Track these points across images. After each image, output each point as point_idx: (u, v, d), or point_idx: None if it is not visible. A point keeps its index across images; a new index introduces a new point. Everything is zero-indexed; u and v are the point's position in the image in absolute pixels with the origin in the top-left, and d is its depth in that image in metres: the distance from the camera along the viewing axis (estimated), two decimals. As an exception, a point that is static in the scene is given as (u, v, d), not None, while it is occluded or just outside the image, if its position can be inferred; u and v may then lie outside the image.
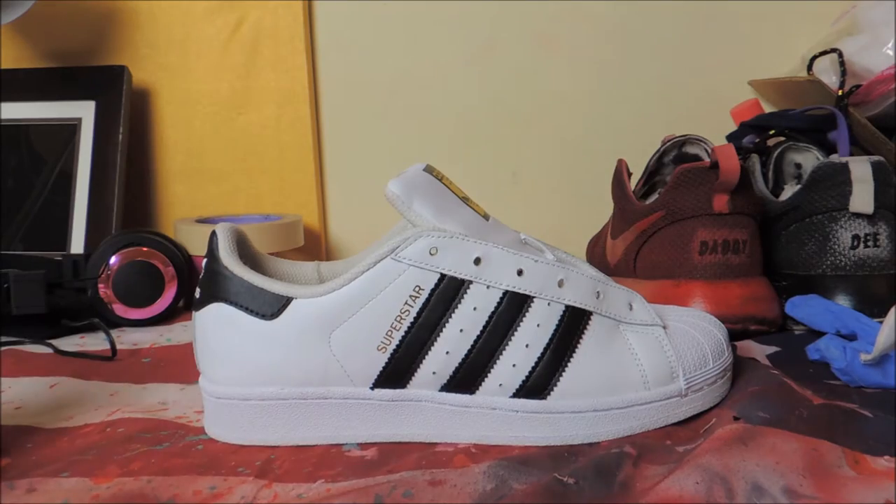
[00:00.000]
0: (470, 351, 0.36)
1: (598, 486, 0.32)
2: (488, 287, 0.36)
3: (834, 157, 0.56)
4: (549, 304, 0.36)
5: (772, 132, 0.63)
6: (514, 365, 0.36)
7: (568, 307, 0.37)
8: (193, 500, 0.32)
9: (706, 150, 0.58)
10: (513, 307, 0.36)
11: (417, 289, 0.35)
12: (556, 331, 0.36)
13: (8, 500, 0.32)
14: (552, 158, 0.82)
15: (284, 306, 0.35)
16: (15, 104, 0.74)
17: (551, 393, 0.36)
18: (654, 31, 0.80)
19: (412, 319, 0.35)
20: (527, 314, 0.36)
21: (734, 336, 0.47)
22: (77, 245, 0.71)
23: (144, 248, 0.61)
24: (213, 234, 0.38)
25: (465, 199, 0.38)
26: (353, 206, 0.83)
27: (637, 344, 0.38)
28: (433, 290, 0.35)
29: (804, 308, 0.50)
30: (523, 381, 0.36)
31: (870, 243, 0.53)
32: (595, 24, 0.80)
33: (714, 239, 0.51)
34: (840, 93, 0.64)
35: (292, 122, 0.79)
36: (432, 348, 0.35)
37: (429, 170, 0.37)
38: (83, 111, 0.74)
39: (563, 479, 0.32)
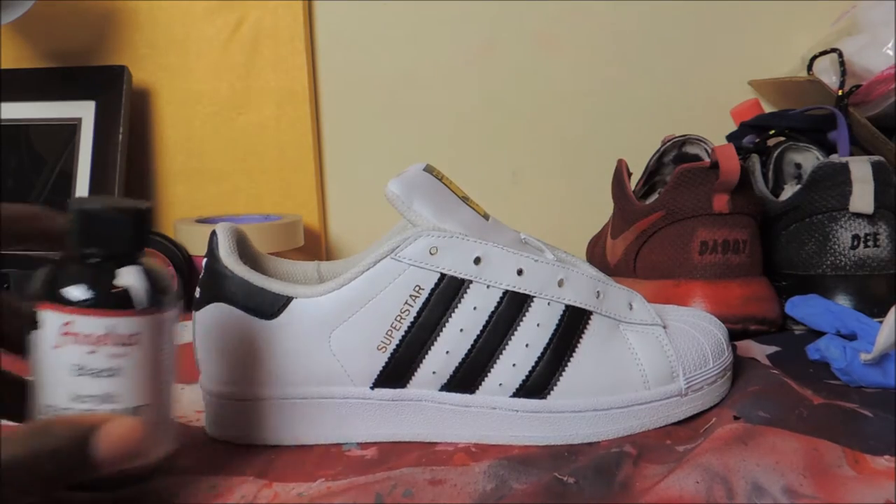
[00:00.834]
0: (470, 350, 0.36)
1: (598, 486, 0.32)
2: (488, 287, 0.36)
3: (834, 157, 0.56)
4: (549, 303, 0.36)
5: (772, 132, 0.63)
6: (514, 364, 0.36)
7: (568, 307, 0.37)
8: (194, 500, 0.32)
9: (706, 150, 0.58)
10: (513, 307, 0.36)
11: (417, 288, 0.35)
12: (556, 330, 0.36)
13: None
14: (552, 158, 0.82)
15: (284, 306, 0.35)
16: (15, 104, 0.74)
17: (551, 392, 0.36)
18: (654, 31, 0.80)
19: (412, 319, 0.35)
20: (527, 314, 0.36)
21: (734, 336, 0.47)
22: (77, 245, 0.71)
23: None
24: (213, 233, 0.38)
25: (465, 199, 0.38)
26: (353, 206, 0.83)
27: (637, 344, 0.38)
28: (433, 290, 0.35)
29: (804, 308, 0.50)
30: (523, 381, 0.36)
31: (870, 243, 0.53)
32: (595, 24, 0.80)
33: (714, 239, 0.51)
34: (840, 93, 0.64)
35: (292, 122, 0.79)
36: (432, 348, 0.35)
37: (429, 169, 0.37)
38: (83, 111, 0.74)
39: (563, 479, 0.32)
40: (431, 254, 0.35)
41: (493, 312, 0.36)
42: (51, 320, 0.28)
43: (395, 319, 0.35)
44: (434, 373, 0.36)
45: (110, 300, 0.28)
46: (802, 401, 0.39)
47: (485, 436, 0.37)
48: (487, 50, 0.81)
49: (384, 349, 0.35)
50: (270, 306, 0.35)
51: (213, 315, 0.36)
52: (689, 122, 0.72)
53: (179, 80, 0.79)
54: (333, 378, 0.36)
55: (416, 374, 0.36)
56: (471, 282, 0.35)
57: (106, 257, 0.28)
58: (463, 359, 0.36)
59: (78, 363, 0.27)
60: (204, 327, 0.37)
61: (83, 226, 0.28)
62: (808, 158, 0.59)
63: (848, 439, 0.35)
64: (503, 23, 0.80)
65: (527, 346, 0.36)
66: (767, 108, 0.76)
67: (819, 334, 0.46)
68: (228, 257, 0.37)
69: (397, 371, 0.36)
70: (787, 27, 0.78)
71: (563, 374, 0.36)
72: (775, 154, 0.61)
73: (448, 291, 0.35)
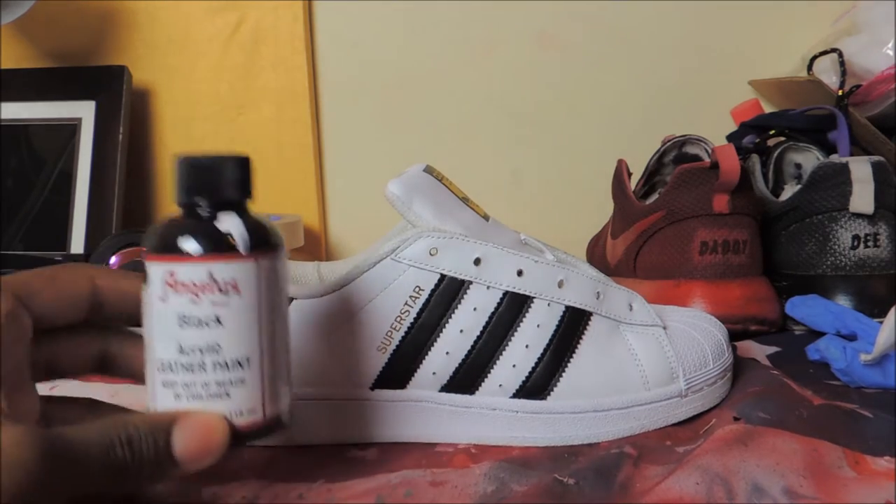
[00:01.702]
0: (470, 351, 0.36)
1: (598, 487, 0.32)
2: (488, 287, 0.36)
3: (834, 157, 0.56)
4: (549, 304, 0.36)
5: (772, 132, 0.63)
6: (514, 365, 0.36)
7: (568, 308, 0.37)
8: (194, 500, 0.32)
9: (706, 150, 0.58)
10: (513, 308, 0.36)
11: (417, 289, 0.35)
12: (556, 331, 0.36)
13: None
14: (552, 158, 0.82)
15: (284, 307, 0.35)
16: (15, 104, 0.74)
17: (551, 393, 0.36)
18: (654, 30, 0.80)
19: (412, 320, 0.35)
20: (527, 315, 0.36)
21: (734, 336, 0.47)
22: (77, 245, 0.71)
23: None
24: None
25: (465, 200, 0.38)
26: (353, 206, 0.83)
27: (637, 344, 0.38)
28: (433, 291, 0.35)
29: (804, 308, 0.50)
30: (523, 382, 0.36)
31: (870, 243, 0.53)
32: (595, 24, 0.80)
33: (714, 239, 0.51)
34: (840, 93, 0.63)
35: (292, 122, 0.79)
36: (432, 349, 0.35)
37: (429, 170, 0.37)
38: (83, 111, 0.74)
39: (563, 480, 0.32)
40: (431, 255, 0.35)
41: (493, 313, 0.36)
42: (155, 272, 0.27)
43: (395, 320, 0.35)
44: (434, 374, 0.36)
45: (209, 246, 0.27)
46: (802, 401, 0.39)
47: (485, 437, 0.37)
48: (487, 50, 0.80)
49: (384, 350, 0.35)
50: (270, 307, 0.35)
51: (213, 316, 0.36)
52: (689, 122, 0.72)
53: (179, 80, 0.79)
54: (333, 379, 0.36)
55: (415, 375, 0.36)
56: (471, 283, 0.35)
57: (210, 206, 0.28)
58: (463, 360, 0.36)
59: (182, 312, 0.27)
60: (204, 328, 0.37)
61: (188, 177, 0.28)
62: (809, 158, 0.59)
63: (848, 440, 0.35)
64: (503, 23, 0.80)
65: (527, 347, 0.36)
66: (767, 108, 0.76)
67: (819, 335, 0.46)
68: (228, 258, 0.36)
69: (397, 372, 0.36)
70: (787, 27, 0.78)
71: (563, 375, 0.36)
72: (775, 154, 0.61)
73: (448, 292, 0.35)
